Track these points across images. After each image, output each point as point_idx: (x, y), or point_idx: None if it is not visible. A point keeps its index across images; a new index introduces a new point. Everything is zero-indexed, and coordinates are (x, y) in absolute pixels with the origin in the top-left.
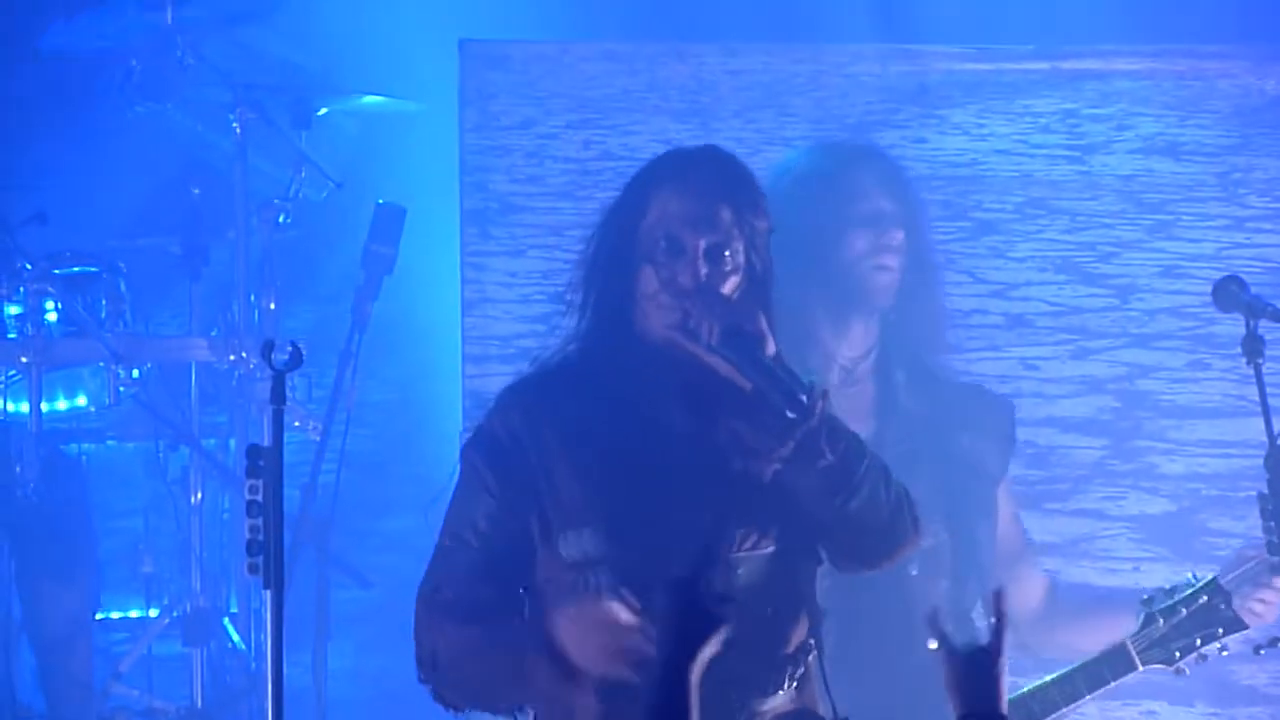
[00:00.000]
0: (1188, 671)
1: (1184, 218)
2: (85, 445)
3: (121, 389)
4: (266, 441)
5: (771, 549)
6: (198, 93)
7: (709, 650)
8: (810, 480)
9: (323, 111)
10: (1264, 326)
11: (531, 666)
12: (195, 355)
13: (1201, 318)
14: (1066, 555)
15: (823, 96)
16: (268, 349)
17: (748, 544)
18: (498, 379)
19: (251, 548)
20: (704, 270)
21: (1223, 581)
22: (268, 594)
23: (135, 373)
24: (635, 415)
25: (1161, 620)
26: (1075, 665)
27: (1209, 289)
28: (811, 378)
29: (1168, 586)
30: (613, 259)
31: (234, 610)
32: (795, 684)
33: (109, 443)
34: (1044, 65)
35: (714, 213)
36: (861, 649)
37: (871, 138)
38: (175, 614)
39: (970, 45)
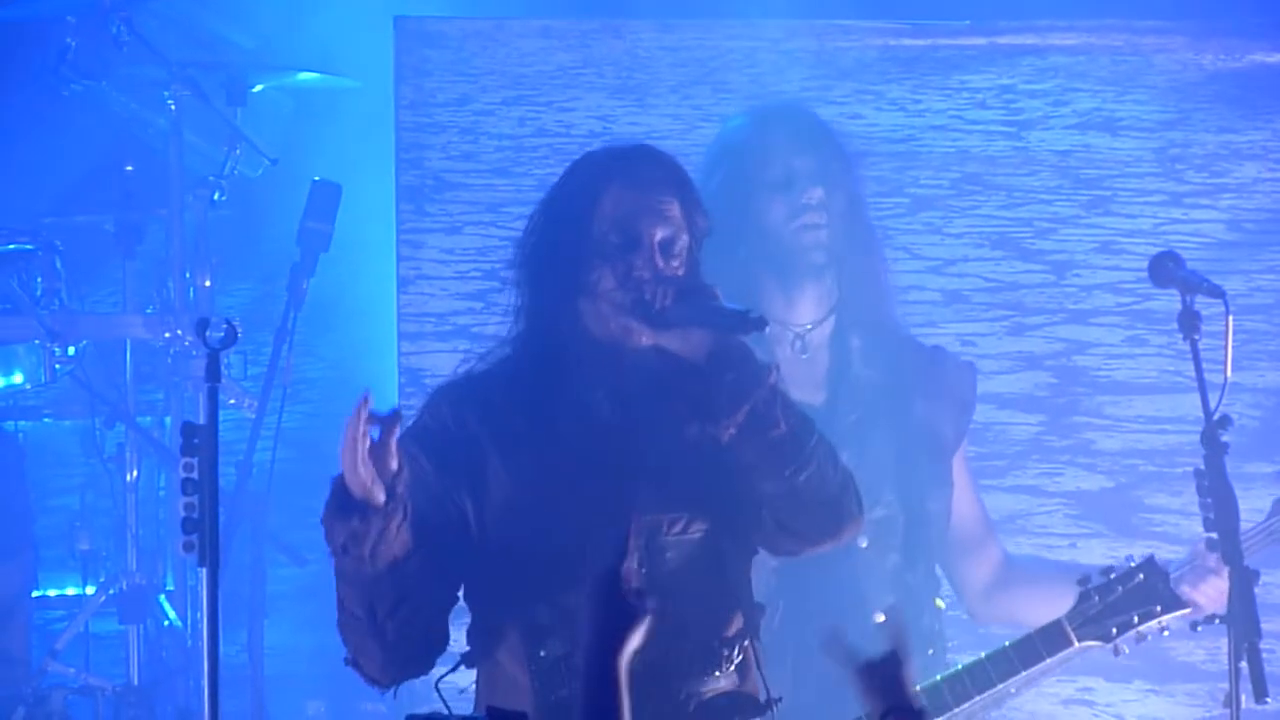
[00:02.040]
0: (1127, 650)
1: (1121, 193)
2: (21, 423)
3: (57, 366)
4: (202, 419)
5: (700, 534)
6: (133, 70)
7: (634, 643)
8: (762, 450)
9: (258, 88)
10: (1200, 302)
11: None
12: (131, 333)
13: (1138, 293)
14: (1003, 532)
15: (759, 73)
16: (202, 326)
17: (676, 528)
18: (433, 356)
19: (187, 525)
20: (659, 260)
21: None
22: (203, 572)
23: (71, 350)
24: (567, 409)
25: (1097, 597)
26: (1009, 642)
27: (1146, 265)
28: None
29: (1102, 568)
30: (558, 257)
31: (170, 588)
32: (734, 669)
33: (45, 420)
34: (980, 41)
35: (666, 206)
36: (812, 621)
37: None
38: (112, 591)
39: (907, 21)
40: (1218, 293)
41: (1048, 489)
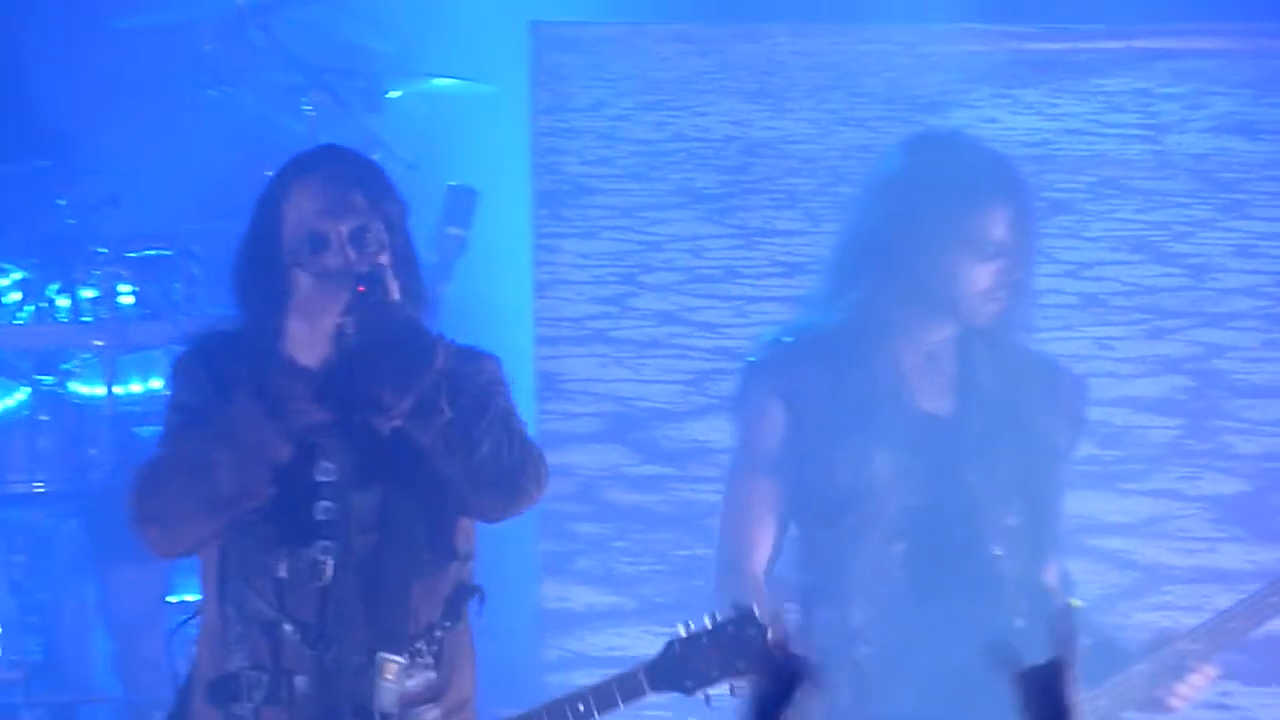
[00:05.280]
0: (711, 704)
1: (1258, 197)
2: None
3: None
4: None
5: (390, 518)
6: (269, 76)
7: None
8: (431, 436)
9: (394, 94)
10: None
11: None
12: None
13: (1276, 297)
14: (1142, 535)
15: (894, 76)
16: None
17: (369, 513)
18: (570, 360)
19: (322, 530)
20: (352, 254)
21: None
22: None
23: None
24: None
25: (679, 647)
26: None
27: None
28: (441, 333)
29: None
30: (259, 275)
31: None
32: (434, 661)
33: None
34: (1117, 44)
35: (348, 198)
36: (949, 627)
37: (945, 117)
38: None
39: (1041, 24)
40: None
41: (1187, 493)
